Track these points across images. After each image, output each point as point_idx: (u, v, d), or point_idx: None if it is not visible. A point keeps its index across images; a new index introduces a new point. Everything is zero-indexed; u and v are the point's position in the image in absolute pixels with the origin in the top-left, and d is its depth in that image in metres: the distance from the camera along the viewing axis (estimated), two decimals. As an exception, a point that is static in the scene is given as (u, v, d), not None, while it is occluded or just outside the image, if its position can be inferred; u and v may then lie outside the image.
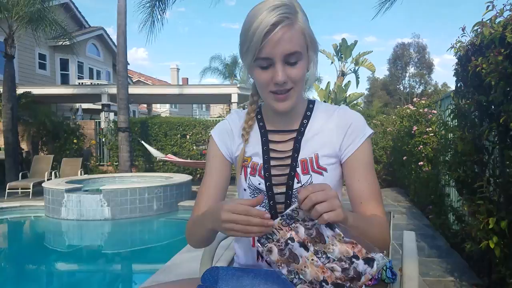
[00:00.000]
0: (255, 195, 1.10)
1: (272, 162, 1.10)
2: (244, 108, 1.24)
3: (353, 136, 1.07)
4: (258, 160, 1.11)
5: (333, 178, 1.08)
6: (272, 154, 1.11)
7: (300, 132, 1.11)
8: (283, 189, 1.08)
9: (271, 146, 1.12)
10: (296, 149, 1.09)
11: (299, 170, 1.07)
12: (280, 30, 0.93)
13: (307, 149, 1.09)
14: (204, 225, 1.00)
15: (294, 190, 1.06)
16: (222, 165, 1.17)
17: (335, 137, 1.08)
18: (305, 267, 0.81)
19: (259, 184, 1.10)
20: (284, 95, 1.01)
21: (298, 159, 1.08)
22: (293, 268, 0.82)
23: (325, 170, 1.06)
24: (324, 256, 0.81)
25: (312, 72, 1.07)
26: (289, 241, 0.83)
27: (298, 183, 1.06)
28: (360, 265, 0.80)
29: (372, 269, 0.79)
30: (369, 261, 0.79)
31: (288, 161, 1.09)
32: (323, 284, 0.81)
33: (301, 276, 0.81)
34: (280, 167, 1.09)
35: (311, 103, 1.16)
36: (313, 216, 0.80)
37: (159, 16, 10.47)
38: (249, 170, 1.12)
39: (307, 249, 0.82)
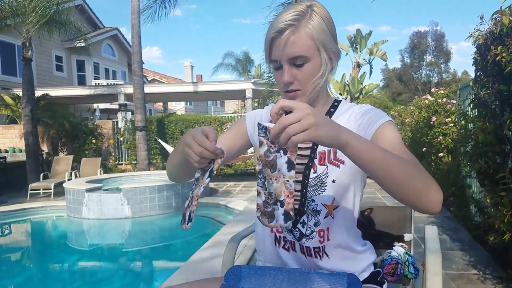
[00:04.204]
0: None
1: None
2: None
3: (369, 122, 1.06)
4: None
5: (352, 171, 1.09)
6: None
7: None
8: (299, 177, 1.11)
9: None
10: None
11: (316, 161, 1.10)
12: (285, 36, 1.02)
13: None
14: (179, 148, 1.05)
15: (310, 180, 1.09)
16: (240, 134, 1.25)
17: (352, 128, 1.07)
18: (273, 179, 0.82)
19: None
20: (293, 93, 1.08)
21: (317, 151, 1.10)
22: (266, 172, 0.83)
23: (343, 162, 1.08)
24: (262, 180, 0.84)
25: (326, 74, 1.08)
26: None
27: (314, 173, 1.09)
28: (279, 212, 0.82)
29: (283, 224, 0.82)
30: (287, 216, 0.81)
31: (308, 152, 1.12)
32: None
33: (265, 183, 0.83)
34: (300, 156, 1.12)
35: (337, 102, 1.19)
36: (281, 143, 0.77)
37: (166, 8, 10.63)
38: None
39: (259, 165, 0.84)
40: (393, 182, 0.83)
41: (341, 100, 1.19)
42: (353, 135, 0.82)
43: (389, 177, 0.82)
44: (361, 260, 1.17)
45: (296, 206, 1.11)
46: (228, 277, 1.10)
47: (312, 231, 1.10)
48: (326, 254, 1.11)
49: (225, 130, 1.24)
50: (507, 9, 2.53)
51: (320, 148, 1.10)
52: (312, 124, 0.76)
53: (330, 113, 1.15)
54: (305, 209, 1.10)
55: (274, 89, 10.88)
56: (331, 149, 1.09)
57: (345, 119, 1.12)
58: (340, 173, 1.08)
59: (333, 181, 1.08)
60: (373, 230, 1.70)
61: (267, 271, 1.09)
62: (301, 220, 1.11)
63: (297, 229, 1.11)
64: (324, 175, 1.08)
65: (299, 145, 1.10)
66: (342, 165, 1.08)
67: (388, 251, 1.57)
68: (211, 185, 8.44)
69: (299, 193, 1.11)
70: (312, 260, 1.11)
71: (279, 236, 1.15)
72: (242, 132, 1.25)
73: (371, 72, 17.78)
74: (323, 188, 1.09)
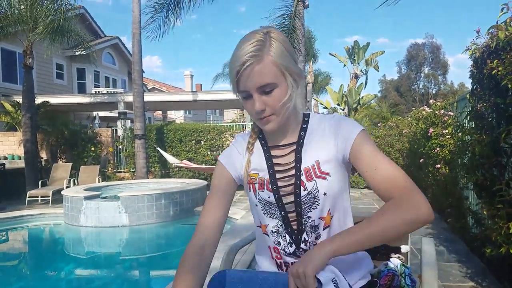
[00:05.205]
0: (267, 209, 1.17)
1: (277, 175, 1.17)
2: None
3: (345, 136, 1.11)
4: (264, 175, 1.18)
5: (338, 180, 1.13)
6: (276, 168, 1.18)
7: (299, 144, 1.17)
8: (291, 198, 1.14)
9: (274, 160, 1.19)
10: (298, 159, 1.15)
11: (303, 178, 1.13)
12: (249, 67, 1.03)
13: (308, 158, 1.15)
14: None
15: (302, 198, 1.12)
16: (227, 186, 1.23)
17: (330, 142, 1.14)
18: None
19: (269, 197, 1.16)
20: (266, 118, 1.09)
21: (301, 168, 1.14)
22: None
23: (328, 174, 1.12)
24: None
25: (294, 96, 1.11)
26: None
27: (304, 190, 1.12)
28: None
29: None
30: None
31: (292, 172, 1.15)
32: None
33: None
34: (285, 178, 1.16)
35: (306, 116, 1.22)
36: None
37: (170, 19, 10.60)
38: (257, 186, 1.18)
39: None
40: (388, 236, 0.97)
41: (309, 114, 1.23)
42: (333, 240, 0.96)
43: (381, 237, 0.96)
44: (359, 269, 1.19)
45: (295, 227, 1.14)
46: (212, 285, 1.07)
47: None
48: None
49: (213, 192, 1.22)
50: (503, 24, 2.57)
51: (304, 165, 1.14)
52: (301, 272, 0.90)
53: (304, 130, 1.19)
54: (303, 227, 1.14)
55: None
56: (315, 163, 1.13)
57: (321, 131, 1.17)
58: (328, 185, 1.11)
59: (325, 194, 1.11)
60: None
61: (253, 276, 1.07)
62: (302, 239, 1.14)
63: (301, 249, 1.14)
64: (315, 190, 1.11)
65: (282, 168, 1.16)
66: (328, 177, 1.12)
67: (385, 262, 1.58)
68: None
69: (294, 213, 1.14)
70: None
71: (280, 262, 1.18)
72: (226, 178, 1.23)
73: (366, 82, 17.89)
74: (316, 203, 1.12)
